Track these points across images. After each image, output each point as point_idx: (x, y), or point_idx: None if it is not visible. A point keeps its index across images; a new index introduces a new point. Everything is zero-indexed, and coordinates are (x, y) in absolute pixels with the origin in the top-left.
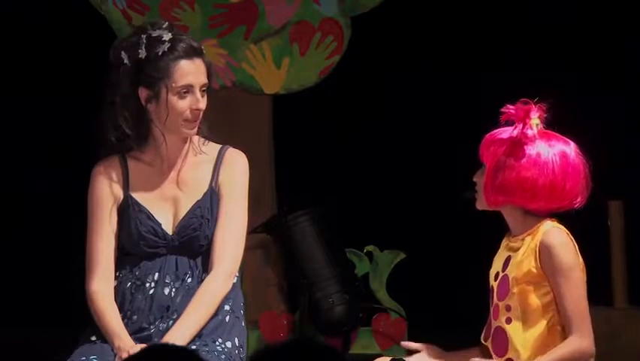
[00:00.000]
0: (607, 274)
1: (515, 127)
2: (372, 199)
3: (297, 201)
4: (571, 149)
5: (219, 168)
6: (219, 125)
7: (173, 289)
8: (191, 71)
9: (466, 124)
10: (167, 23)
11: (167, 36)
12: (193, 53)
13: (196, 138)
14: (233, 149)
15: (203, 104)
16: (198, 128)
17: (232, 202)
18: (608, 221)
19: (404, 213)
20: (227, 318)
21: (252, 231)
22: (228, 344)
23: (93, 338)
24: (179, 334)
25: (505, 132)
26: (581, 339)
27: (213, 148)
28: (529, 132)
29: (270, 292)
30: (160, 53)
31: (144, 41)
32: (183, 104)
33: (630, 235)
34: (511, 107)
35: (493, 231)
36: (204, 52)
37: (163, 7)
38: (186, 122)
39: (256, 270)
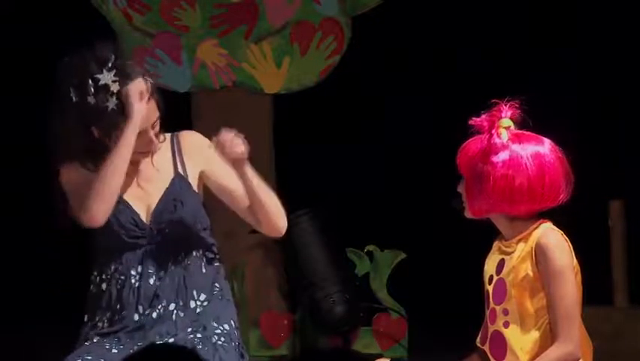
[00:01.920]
0: (608, 273)
1: (484, 137)
2: (372, 199)
3: (297, 201)
4: (545, 147)
5: (181, 153)
6: (219, 125)
7: (158, 279)
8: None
9: (466, 124)
10: (112, 58)
11: (114, 87)
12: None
13: None
14: (183, 131)
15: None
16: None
17: (226, 172)
18: (608, 221)
19: (404, 213)
20: (220, 300)
21: (252, 231)
22: (226, 326)
23: (87, 343)
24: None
25: (477, 142)
26: (566, 344)
27: (165, 138)
28: (497, 141)
29: (271, 292)
30: (109, 110)
31: (92, 89)
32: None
33: (631, 234)
34: (477, 118)
35: (494, 231)
36: (151, 88)
37: (163, 7)
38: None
39: (256, 270)
